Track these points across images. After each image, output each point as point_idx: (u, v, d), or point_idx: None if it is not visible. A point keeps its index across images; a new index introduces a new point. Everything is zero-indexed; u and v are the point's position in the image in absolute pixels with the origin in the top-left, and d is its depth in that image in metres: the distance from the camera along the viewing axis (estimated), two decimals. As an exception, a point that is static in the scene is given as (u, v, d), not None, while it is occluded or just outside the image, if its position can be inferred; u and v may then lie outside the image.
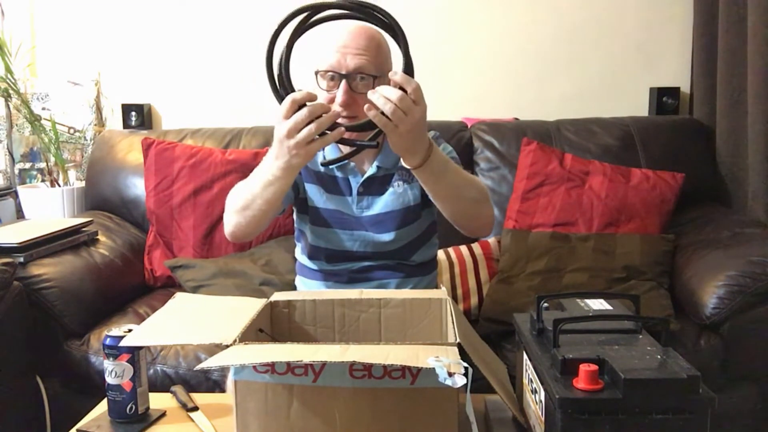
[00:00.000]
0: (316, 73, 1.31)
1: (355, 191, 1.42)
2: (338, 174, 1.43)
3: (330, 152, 1.42)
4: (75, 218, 2.06)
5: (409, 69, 1.18)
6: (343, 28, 1.31)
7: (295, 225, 1.54)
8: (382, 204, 1.42)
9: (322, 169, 1.43)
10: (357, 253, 1.44)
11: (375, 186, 1.43)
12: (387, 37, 1.28)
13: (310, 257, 1.49)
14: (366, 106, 1.11)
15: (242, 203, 1.29)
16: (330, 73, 1.29)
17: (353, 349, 0.83)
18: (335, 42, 1.30)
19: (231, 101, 2.51)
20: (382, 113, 1.10)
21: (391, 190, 1.42)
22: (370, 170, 1.41)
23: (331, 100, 1.29)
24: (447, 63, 2.45)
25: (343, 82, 1.28)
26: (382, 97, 1.10)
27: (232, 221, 1.34)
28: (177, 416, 1.09)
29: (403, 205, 1.43)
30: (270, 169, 1.21)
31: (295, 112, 1.12)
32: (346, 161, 1.40)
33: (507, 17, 2.43)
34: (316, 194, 1.44)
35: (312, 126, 1.11)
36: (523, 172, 2.09)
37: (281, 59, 1.17)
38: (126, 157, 2.24)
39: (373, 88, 1.19)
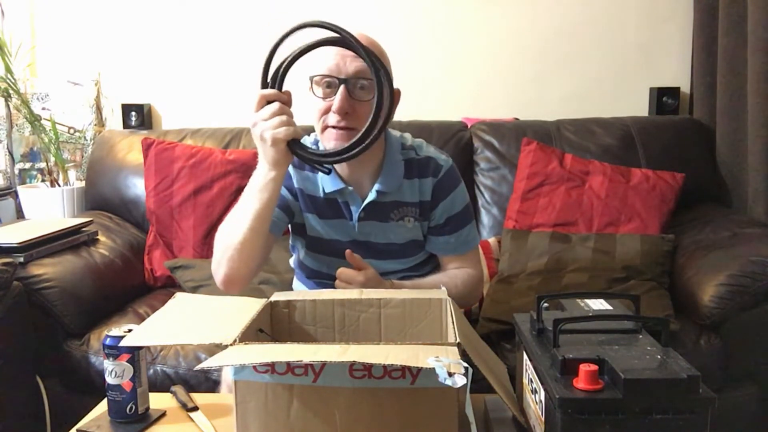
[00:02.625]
0: (311, 79, 1.24)
1: (356, 217, 1.35)
2: (338, 199, 1.35)
3: (329, 182, 1.34)
4: (75, 218, 2.06)
5: (380, 103, 1.16)
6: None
7: (290, 241, 1.49)
8: (387, 234, 1.36)
9: (321, 195, 1.36)
10: None
11: (377, 212, 1.35)
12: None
13: (308, 277, 1.44)
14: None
15: (231, 230, 1.25)
16: (327, 79, 1.22)
17: (353, 349, 0.83)
18: (331, 48, 1.21)
19: (231, 101, 2.51)
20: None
21: (399, 223, 1.36)
22: (371, 195, 1.33)
23: (327, 109, 1.23)
24: (447, 63, 2.45)
25: (342, 87, 1.20)
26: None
27: (224, 262, 1.28)
28: (177, 416, 1.09)
29: (411, 239, 1.38)
30: (256, 176, 1.21)
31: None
32: (344, 186, 1.33)
33: (507, 17, 2.43)
34: (316, 224, 1.37)
35: (277, 108, 1.15)
36: (523, 172, 2.09)
37: (277, 71, 1.19)
38: (126, 157, 2.24)
39: (372, 95, 1.17)
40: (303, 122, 1.25)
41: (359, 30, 1.23)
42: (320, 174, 1.33)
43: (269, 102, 1.17)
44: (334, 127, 1.23)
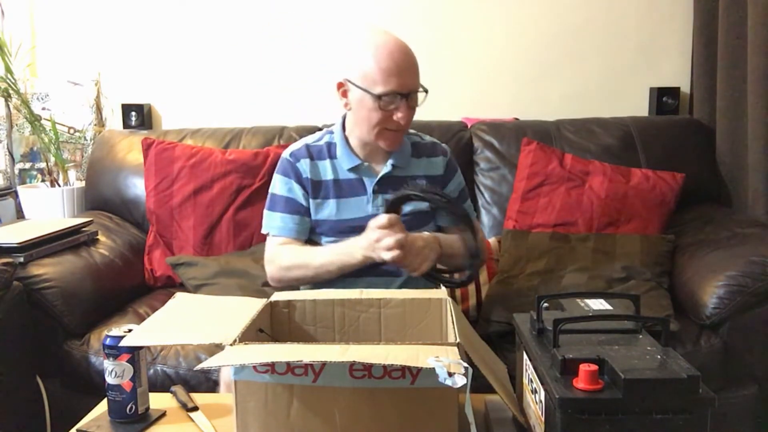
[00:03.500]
0: (377, 96, 1.38)
1: (370, 190, 1.50)
2: (352, 176, 1.50)
3: (347, 160, 1.50)
4: (75, 218, 2.06)
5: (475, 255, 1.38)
6: (395, 48, 1.39)
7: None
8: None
9: (331, 178, 1.51)
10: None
11: (391, 185, 1.48)
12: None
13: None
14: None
15: (317, 262, 1.44)
16: (392, 96, 1.38)
17: (353, 349, 0.83)
18: (394, 65, 1.37)
19: (231, 101, 2.51)
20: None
21: (413, 206, 1.47)
22: (385, 169, 1.50)
23: (388, 118, 1.40)
24: (447, 63, 2.45)
25: (404, 101, 1.40)
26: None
27: (295, 273, 1.48)
28: (177, 416, 1.09)
29: (418, 210, 1.50)
30: (350, 255, 1.40)
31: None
32: (361, 162, 1.49)
33: (507, 17, 2.43)
34: (328, 207, 1.50)
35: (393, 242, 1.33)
36: (523, 172, 2.09)
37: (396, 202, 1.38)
38: (126, 157, 2.23)
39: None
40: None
41: (405, 47, 1.42)
42: (338, 154, 1.52)
43: (390, 225, 1.35)
44: (392, 130, 1.44)
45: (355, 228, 1.46)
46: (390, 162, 1.50)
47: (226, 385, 1.28)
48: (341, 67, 1.45)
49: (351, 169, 1.51)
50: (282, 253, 1.49)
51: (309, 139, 1.57)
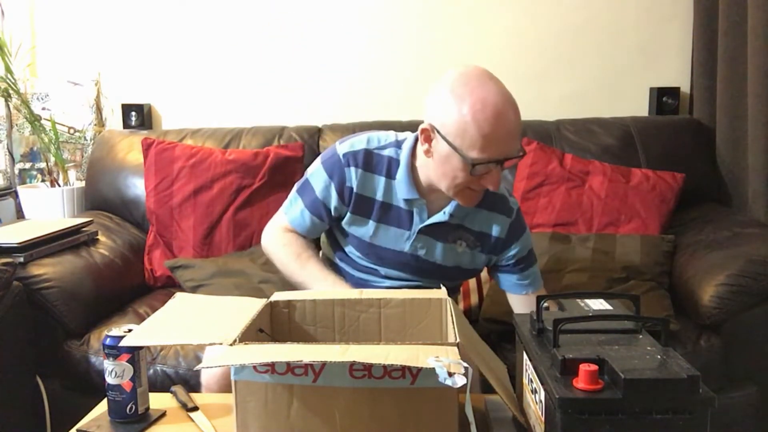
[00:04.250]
0: (471, 163, 1.20)
1: (415, 229, 1.37)
2: (403, 206, 1.36)
3: (406, 190, 1.34)
4: (75, 218, 2.06)
5: None
6: (502, 110, 1.21)
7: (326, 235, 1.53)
8: (437, 254, 1.39)
9: (379, 199, 1.37)
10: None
11: (438, 231, 1.37)
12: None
13: (356, 269, 1.46)
14: None
15: (289, 269, 1.39)
16: (485, 165, 1.21)
17: (353, 349, 0.83)
18: (497, 131, 1.19)
19: (231, 101, 2.51)
20: None
21: (452, 246, 1.38)
22: (440, 216, 1.35)
23: (475, 181, 1.24)
24: (447, 63, 2.44)
25: (499, 167, 1.22)
26: None
27: (269, 255, 1.45)
28: (177, 416, 1.09)
29: (456, 263, 1.41)
30: (323, 281, 1.35)
31: None
32: (419, 197, 1.35)
33: (507, 17, 2.43)
34: (363, 226, 1.39)
35: None
36: (523, 172, 2.09)
37: None
38: (126, 157, 2.24)
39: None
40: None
41: (511, 109, 1.25)
42: (398, 177, 1.35)
43: None
44: (475, 191, 1.28)
45: (384, 259, 1.39)
46: (448, 210, 1.34)
47: (206, 387, 1.26)
48: (432, 111, 1.25)
49: (405, 200, 1.35)
50: (283, 240, 1.42)
51: (373, 142, 1.38)
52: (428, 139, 1.26)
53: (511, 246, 1.40)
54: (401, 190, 1.35)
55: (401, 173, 1.34)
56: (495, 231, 1.39)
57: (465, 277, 1.51)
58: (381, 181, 1.36)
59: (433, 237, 1.38)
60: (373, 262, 1.43)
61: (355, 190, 1.36)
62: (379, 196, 1.36)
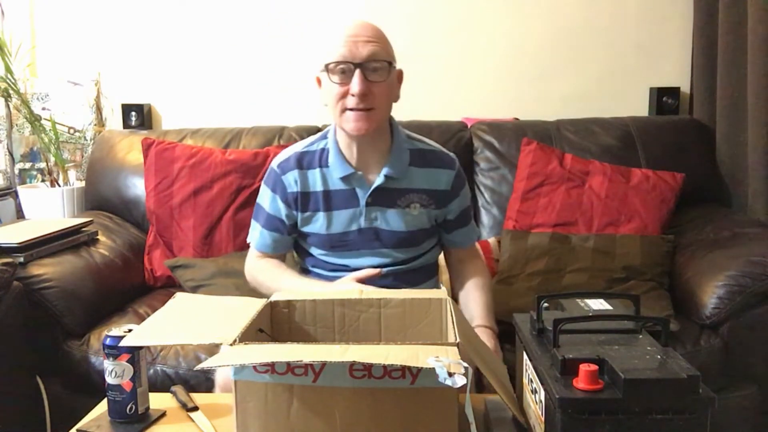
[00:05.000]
0: (327, 66, 1.29)
1: (363, 202, 1.40)
2: (344, 186, 1.40)
3: (339, 168, 1.39)
4: (75, 218, 2.06)
5: None
6: (351, 23, 1.30)
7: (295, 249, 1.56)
8: (392, 222, 1.41)
9: (321, 189, 1.41)
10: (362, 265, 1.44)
11: (384, 198, 1.40)
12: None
13: (331, 271, 1.47)
14: None
15: (274, 285, 1.38)
16: (342, 65, 1.28)
17: (353, 349, 0.83)
18: (344, 32, 1.28)
19: (231, 101, 2.51)
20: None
21: (406, 210, 1.41)
22: (378, 179, 1.39)
23: (345, 93, 1.29)
24: (447, 63, 2.45)
25: (358, 71, 1.27)
26: None
27: (256, 288, 1.48)
28: (177, 416, 1.09)
29: (417, 227, 1.42)
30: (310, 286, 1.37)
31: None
32: (353, 171, 1.39)
33: (507, 17, 2.43)
34: (319, 220, 1.43)
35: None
36: (523, 172, 2.09)
37: None
38: (126, 157, 2.23)
39: (388, 76, 1.27)
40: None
41: (366, 21, 1.31)
42: (330, 162, 1.40)
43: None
44: (353, 109, 1.30)
45: (346, 243, 1.42)
46: (383, 173, 1.38)
47: (221, 387, 1.28)
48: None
49: (343, 179, 1.40)
50: (258, 267, 1.48)
51: (301, 145, 1.47)
52: (319, 83, 1.36)
53: (454, 200, 1.46)
54: (336, 171, 1.40)
55: (332, 156, 1.40)
56: (442, 185, 1.44)
57: (424, 239, 1.49)
58: (316, 173, 1.41)
59: (384, 205, 1.40)
60: (341, 257, 1.45)
61: (298, 190, 1.42)
62: (318, 187, 1.41)
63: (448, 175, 1.44)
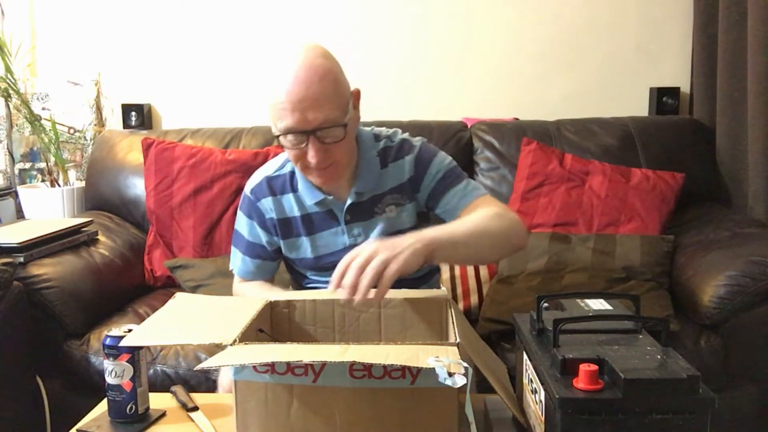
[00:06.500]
0: (277, 137, 1.19)
1: (342, 220, 1.34)
2: (319, 210, 1.35)
3: (309, 196, 1.33)
4: (75, 218, 2.06)
5: None
6: (290, 75, 1.14)
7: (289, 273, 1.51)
8: (377, 230, 1.35)
9: (298, 214, 1.35)
10: None
11: (362, 211, 1.34)
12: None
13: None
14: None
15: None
16: (292, 135, 1.17)
17: (353, 349, 0.83)
18: (288, 97, 1.14)
19: (231, 101, 2.51)
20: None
21: (383, 216, 1.35)
22: (350, 199, 1.32)
23: (303, 155, 1.20)
24: (447, 63, 2.45)
25: (312, 138, 1.16)
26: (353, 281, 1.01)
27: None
28: (177, 416, 1.09)
29: (395, 228, 1.35)
30: None
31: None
32: (324, 197, 1.33)
33: (507, 17, 2.43)
34: (302, 245, 1.37)
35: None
36: (523, 172, 2.09)
37: None
38: (126, 157, 2.24)
39: (345, 134, 1.18)
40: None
41: (308, 72, 1.15)
42: (300, 190, 1.34)
43: None
44: (315, 168, 1.22)
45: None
46: (353, 191, 1.31)
47: (223, 388, 1.27)
48: None
49: (316, 204, 1.33)
50: (245, 287, 1.43)
51: (271, 168, 1.38)
52: None
53: (423, 178, 1.34)
54: (307, 198, 1.34)
55: (300, 183, 1.34)
56: (406, 174, 1.35)
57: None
58: (290, 197, 1.35)
59: (363, 219, 1.34)
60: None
61: (275, 217, 1.36)
62: (295, 212, 1.35)
63: (409, 162, 1.35)
